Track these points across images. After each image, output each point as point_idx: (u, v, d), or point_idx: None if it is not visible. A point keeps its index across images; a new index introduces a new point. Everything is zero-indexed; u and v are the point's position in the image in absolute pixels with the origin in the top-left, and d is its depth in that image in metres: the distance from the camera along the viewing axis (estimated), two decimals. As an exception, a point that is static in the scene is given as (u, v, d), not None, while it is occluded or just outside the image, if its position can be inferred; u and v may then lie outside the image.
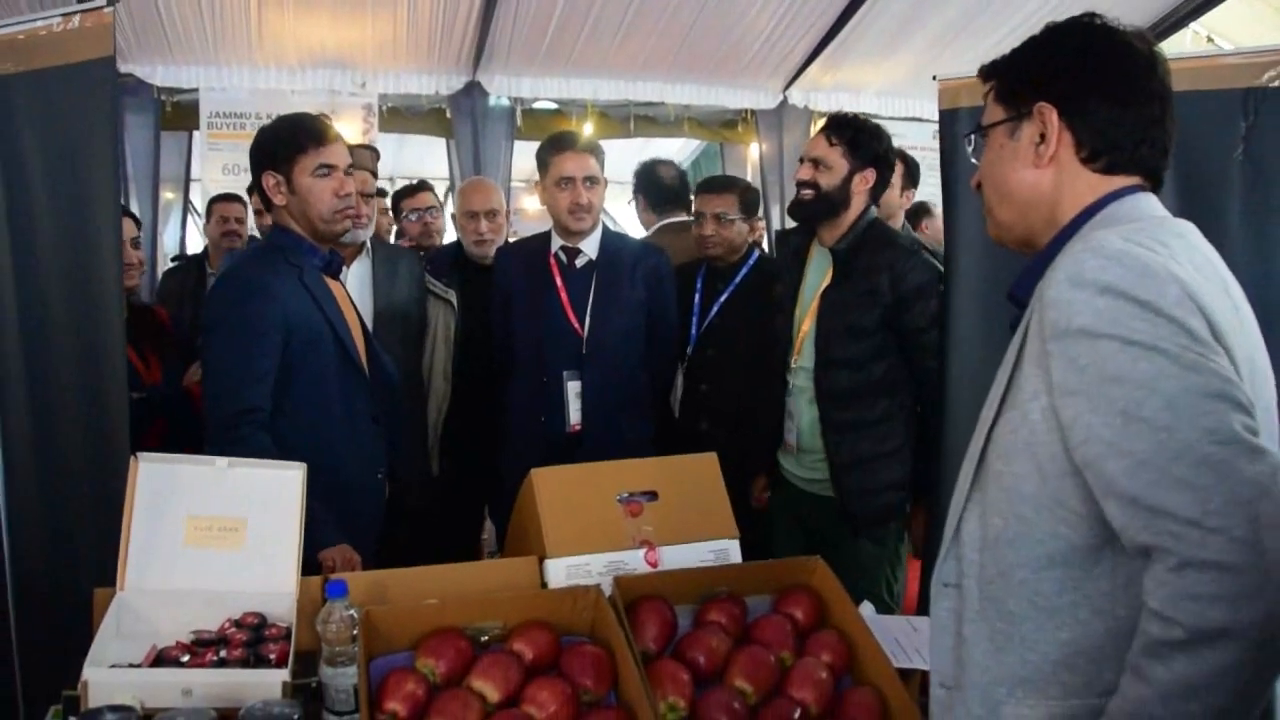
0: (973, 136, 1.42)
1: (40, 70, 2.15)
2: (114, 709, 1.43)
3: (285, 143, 2.38)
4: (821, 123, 6.19)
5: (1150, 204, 1.29)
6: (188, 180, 6.34)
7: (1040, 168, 1.32)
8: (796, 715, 1.67)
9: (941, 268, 2.82)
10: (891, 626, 2.05)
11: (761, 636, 1.80)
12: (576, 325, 2.97)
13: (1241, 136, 2.38)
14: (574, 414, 2.93)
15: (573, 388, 2.93)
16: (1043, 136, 1.31)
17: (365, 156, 3.09)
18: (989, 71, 1.40)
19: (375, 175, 3.12)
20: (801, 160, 2.84)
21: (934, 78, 2.82)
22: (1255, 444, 1.04)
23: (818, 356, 2.77)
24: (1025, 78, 1.34)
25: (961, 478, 1.32)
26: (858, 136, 2.74)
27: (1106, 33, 1.31)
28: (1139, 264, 1.11)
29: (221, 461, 1.91)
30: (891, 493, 2.79)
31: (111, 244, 2.32)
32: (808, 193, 2.76)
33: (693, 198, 3.68)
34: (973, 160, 1.42)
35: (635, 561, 1.98)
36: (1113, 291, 1.10)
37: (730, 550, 2.05)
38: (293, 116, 2.46)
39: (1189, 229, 1.26)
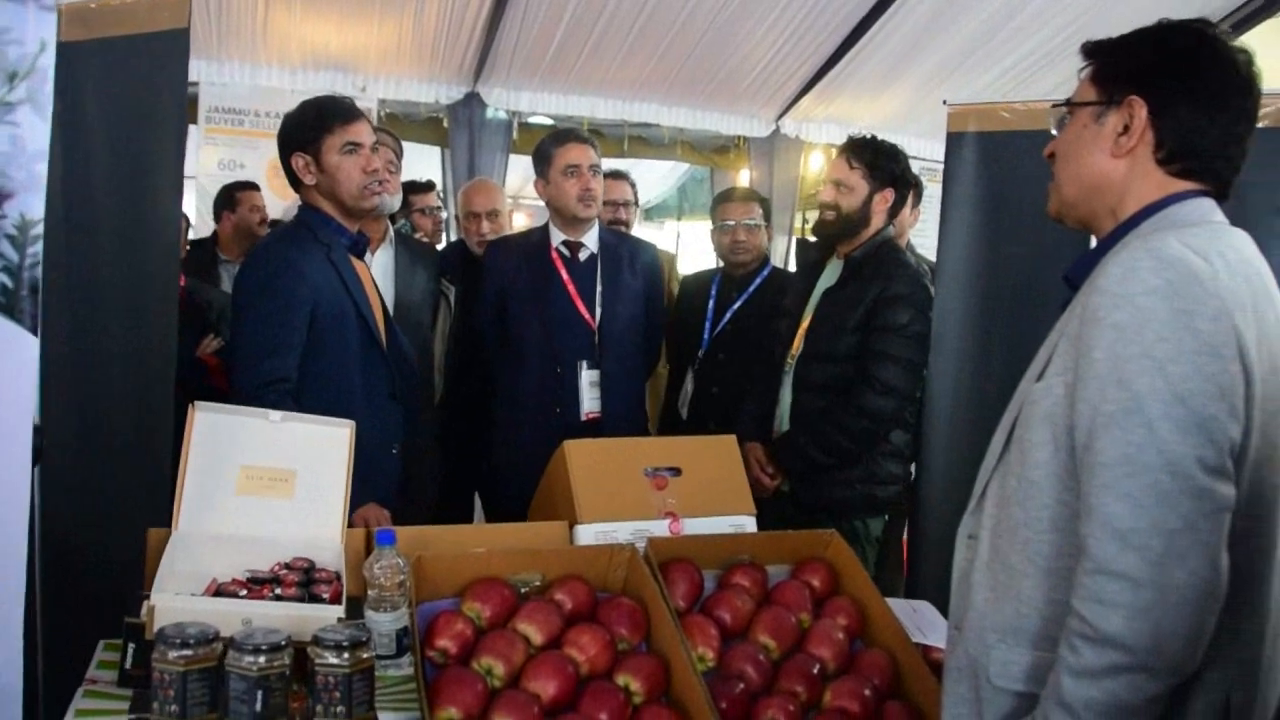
0: (1059, 111, 1.45)
1: (110, 38, 2.20)
2: (194, 625, 1.50)
3: (312, 124, 2.46)
4: (813, 153, 6.30)
5: (1210, 209, 1.34)
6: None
7: (1116, 157, 1.36)
8: (816, 670, 1.79)
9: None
10: (894, 609, 2.18)
11: (782, 599, 1.93)
12: (587, 315, 3.05)
13: None
14: (588, 402, 3.00)
15: (588, 376, 3.00)
16: (1126, 128, 1.34)
17: (388, 140, 3.19)
18: (1092, 50, 1.41)
19: (399, 157, 3.22)
20: (823, 184, 3.03)
21: (944, 102, 3.00)
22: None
23: (804, 349, 2.92)
24: (1125, 66, 1.36)
25: (994, 443, 1.43)
26: (876, 158, 2.91)
27: (1215, 43, 1.33)
28: (1188, 271, 1.19)
29: (275, 415, 2.00)
30: (846, 488, 2.88)
31: (171, 211, 2.39)
32: (829, 214, 2.93)
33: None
34: (1052, 132, 1.46)
35: (660, 531, 2.09)
36: (1157, 294, 1.18)
37: (748, 525, 2.17)
38: (316, 98, 2.55)
39: (1244, 239, 1.33)
